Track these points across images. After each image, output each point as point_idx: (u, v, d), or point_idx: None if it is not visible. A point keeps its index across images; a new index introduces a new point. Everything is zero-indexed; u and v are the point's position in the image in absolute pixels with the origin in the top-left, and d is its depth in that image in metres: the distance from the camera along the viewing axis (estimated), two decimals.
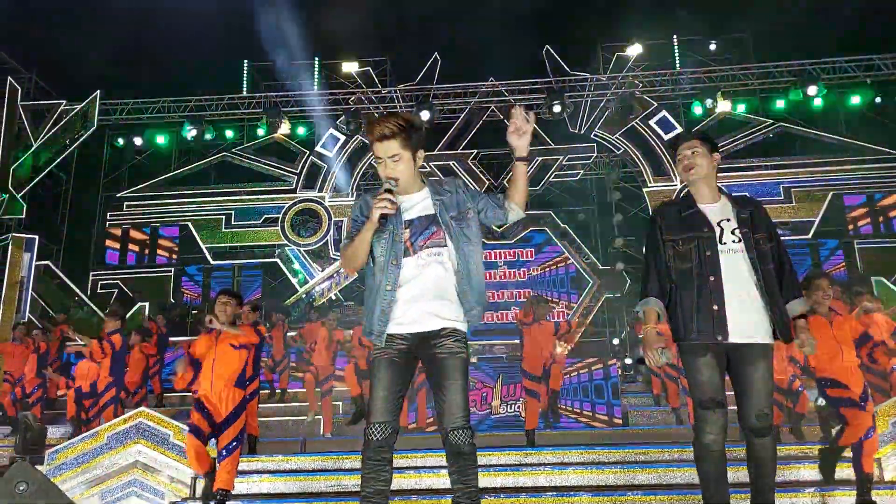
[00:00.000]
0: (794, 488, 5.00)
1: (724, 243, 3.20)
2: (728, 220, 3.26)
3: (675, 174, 14.64)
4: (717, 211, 3.31)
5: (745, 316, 3.13)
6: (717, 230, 3.23)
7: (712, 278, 3.16)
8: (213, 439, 5.48)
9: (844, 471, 5.28)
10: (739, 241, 3.20)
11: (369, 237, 2.88)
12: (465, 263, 2.94)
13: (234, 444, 5.39)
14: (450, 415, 2.79)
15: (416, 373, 3.12)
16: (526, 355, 8.07)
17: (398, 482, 5.59)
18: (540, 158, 15.39)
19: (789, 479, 5.39)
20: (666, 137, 15.09)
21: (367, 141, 3.01)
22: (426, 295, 2.88)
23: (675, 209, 3.42)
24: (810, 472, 5.41)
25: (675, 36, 15.74)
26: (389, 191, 2.87)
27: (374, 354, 2.90)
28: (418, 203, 3.02)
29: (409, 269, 2.90)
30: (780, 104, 15.04)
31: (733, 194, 3.45)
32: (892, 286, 12.26)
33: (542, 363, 7.97)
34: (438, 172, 15.51)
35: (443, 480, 5.51)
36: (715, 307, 3.13)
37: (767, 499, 3.16)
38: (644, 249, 3.61)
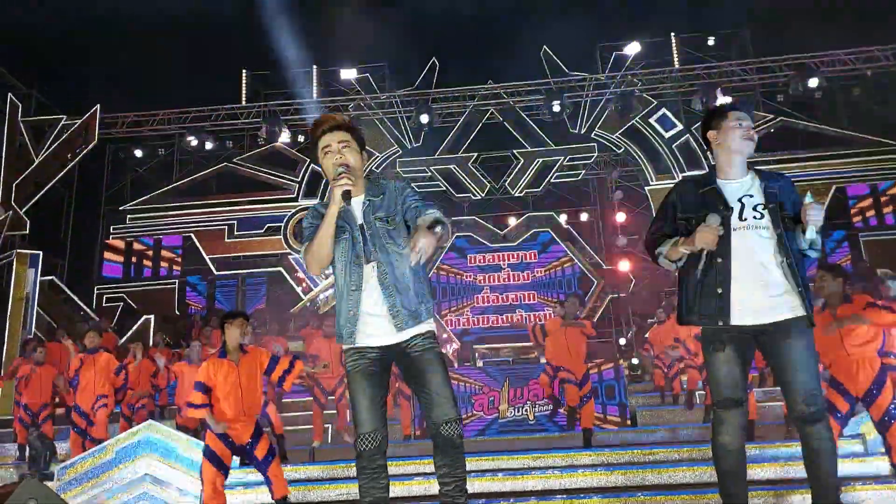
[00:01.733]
0: (805, 485, 4.95)
1: (745, 219, 3.01)
2: (751, 196, 3.07)
3: (676, 172, 14.61)
4: (739, 187, 3.11)
5: (758, 297, 2.95)
6: (738, 206, 3.05)
7: (720, 259, 2.98)
8: (231, 467, 5.30)
9: (843, 467, 5.26)
10: (762, 216, 3.01)
11: (334, 220, 2.88)
12: (392, 272, 2.89)
13: (270, 455, 5.26)
14: (439, 407, 2.80)
15: (392, 378, 3.12)
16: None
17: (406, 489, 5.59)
18: (541, 160, 15.40)
19: (801, 476, 5.34)
20: (666, 135, 15.08)
21: (314, 140, 2.94)
22: (380, 307, 2.88)
23: (693, 186, 3.22)
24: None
25: (672, 34, 15.74)
26: (344, 175, 2.86)
27: (349, 367, 2.91)
28: (360, 206, 3.01)
29: (367, 276, 2.91)
30: (780, 99, 15.00)
31: (761, 168, 3.23)
32: None
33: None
34: (439, 177, 15.51)
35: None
36: (719, 290, 2.97)
37: (830, 499, 2.90)
38: (653, 217, 3.40)
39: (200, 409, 5.18)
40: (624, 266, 14.63)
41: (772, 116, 15.00)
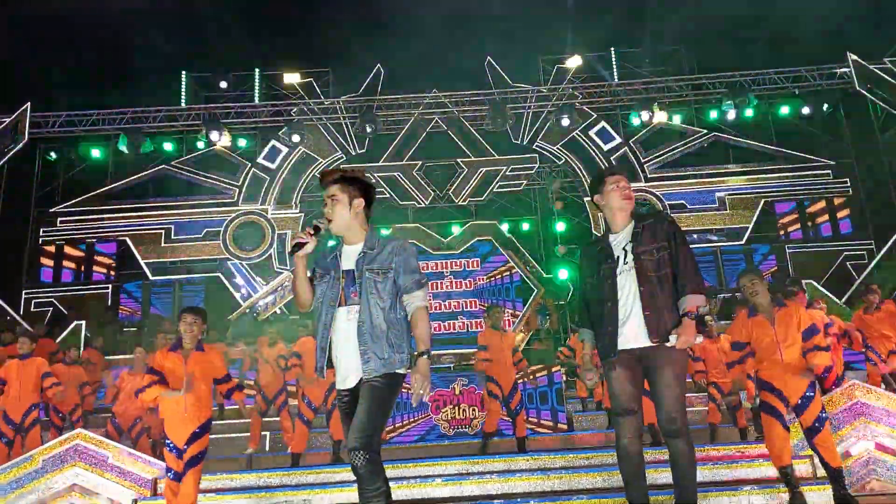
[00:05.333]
0: (732, 487, 5.15)
1: (626, 264, 3.56)
2: (630, 242, 3.60)
3: None
4: (623, 237, 3.65)
5: (632, 326, 3.48)
6: (622, 255, 3.59)
7: (609, 304, 3.54)
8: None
9: (766, 468, 5.48)
10: (631, 259, 3.55)
11: (298, 270, 3.21)
12: (369, 318, 3.11)
13: (195, 461, 5.12)
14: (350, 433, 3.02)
15: None
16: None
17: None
18: (484, 169, 15.57)
19: (726, 478, 5.54)
20: (605, 147, 15.46)
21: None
22: (349, 352, 3.13)
23: (592, 249, 3.84)
24: (746, 471, 5.58)
25: (612, 49, 16.15)
26: (317, 228, 3.22)
27: (338, 405, 3.24)
28: (355, 255, 3.26)
29: (341, 318, 3.17)
30: (713, 115, 15.55)
31: (641, 213, 3.75)
32: (822, 289, 12.77)
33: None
34: (383, 184, 15.50)
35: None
36: (609, 328, 3.53)
37: (688, 500, 3.42)
38: (578, 266, 4.03)
39: (152, 388, 5.05)
40: (563, 274, 14.92)
41: (704, 132, 15.54)
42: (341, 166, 15.53)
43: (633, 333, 3.47)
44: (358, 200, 3.26)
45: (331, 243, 3.46)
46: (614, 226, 3.71)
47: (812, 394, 4.70)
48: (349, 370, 3.11)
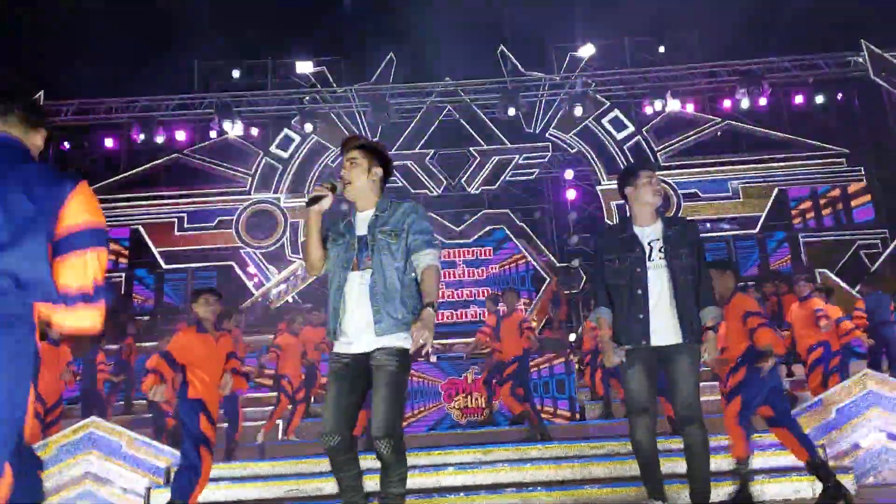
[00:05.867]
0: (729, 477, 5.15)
1: (653, 260, 3.70)
2: (658, 240, 3.74)
3: None
4: (650, 232, 3.79)
5: (663, 322, 3.62)
6: (648, 249, 3.73)
7: (639, 291, 3.66)
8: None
9: (779, 458, 5.49)
10: (663, 257, 3.69)
11: (313, 226, 3.22)
12: (383, 278, 3.10)
13: None
14: (373, 423, 2.96)
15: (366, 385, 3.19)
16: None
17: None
18: (496, 158, 15.54)
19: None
20: (618, 136, 15.38)
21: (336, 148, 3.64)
22: (361, 315, 3.10)
23: (614, 233, 3.98)
24: (760, 460, 5.57)
25: (625, 38, 16.04)
26: (333, 187, 3.22)
27: (329, 366, 3.19)
28: (367, 220, 3.26)
29: (354, 282, 3.14)
30: (726, 103, 15.42)
31: (669, 216, 3.96)
32: (835, 277, 12.70)
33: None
34: (396, 172, 15.46)
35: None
36: (640, 315, 3.63)
37: (703, 487, 3.59)
38: (591, 269, 4.04)
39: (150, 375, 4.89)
40: (576, 263, 14.91)
41: (718, 120, 15.43)
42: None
43: (662, 330, 3.61)
44: (377, 168, 3.30)
45: (344, 206, 3.47)
46: (641, 219, 3.83)
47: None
48: (358, 333, 3.09)
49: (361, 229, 3.23)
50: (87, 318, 2.12)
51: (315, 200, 3.16)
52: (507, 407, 8.20)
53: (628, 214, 3.94)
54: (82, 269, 2.09)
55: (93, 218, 2.16)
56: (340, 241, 3.24)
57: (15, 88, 2.49)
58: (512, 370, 7.96)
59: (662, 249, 3.69)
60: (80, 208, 2.14)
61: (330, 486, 5.74)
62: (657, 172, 3.99)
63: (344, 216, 3.33)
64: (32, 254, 2.03)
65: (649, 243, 3.73)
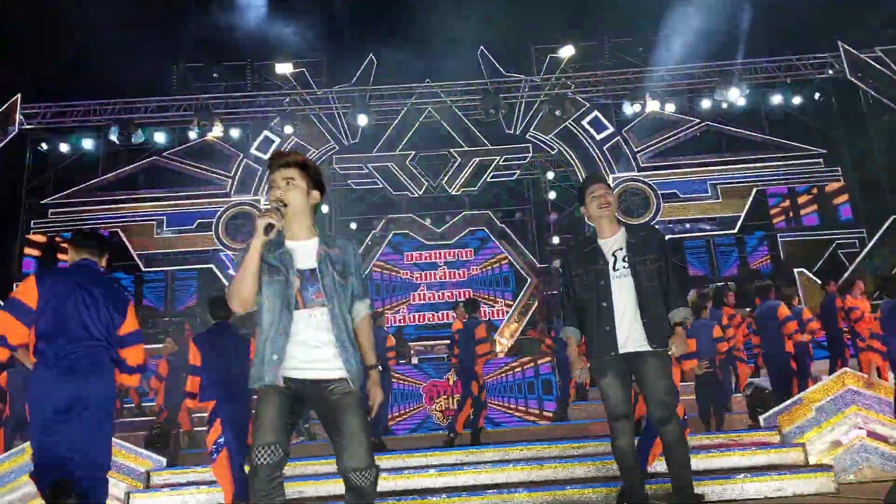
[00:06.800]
0: (725, 475, 5.19)
1: (617, 269, 3.82)
2: (621, 249, 3.86)
3: (607, 173, 15.01)
4: (612, 243, 3.90)
5: (630, 331, 3.74)
6: (612, 259, 3.84)
7: (604, 303, 3.78)
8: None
9: (759, 457, 5.54)
10: (627, 266, 3.80)
11: (257, 257, 2.80)
12: (343, 322, 2.87)
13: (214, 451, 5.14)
14: (349, 454, 2.74)
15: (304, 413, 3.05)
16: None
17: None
18: (477, 159, 15.56)
19: (720, 466, 5.58)
20: (598, 137, 15.46)
21: (270, 172, 3.01)
22: (314, 356, 2.82)
23: (578, 249, 4.07)
24: (740, 459, 5.63)
25: (605, 39, 16.12)
26: (279, 210, 2.84)
27: (262, 388, 2.81)
28: (310, 252, 2.94)
29: (301, 322, 2.83)
30: (705, 103, 15.54)
31: (631, 224, 4.08)
32: (813, 277, 12.85)
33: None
34: (376, 174, 15.48)
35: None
36: (607, 327, 3.75)
37: (685, 482, 3.71)
38: (560, 286, 4.26)
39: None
40: (556, 264, 14.96)
41: (696, 121, 15.55)
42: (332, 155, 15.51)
43: (630, 338, 3.73)
44: (314, 192, 2.98)
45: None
46: (602, 232, 3.96)
47: None
48: (308, 366, 2.80)
49: (304, 262, 2.90)
50: (135, 381, 4.01)
51: (271, 228, 2.78)
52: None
53: (593, 230, 4.10)
54: (137, 354, 3.94)
55: (138, 325, 3.99)
56: (276, 276, 2.84)
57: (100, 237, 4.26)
58: None
59: (626, 258, 3.81)
60: (133, 318, 3.97)
61: (311, 490, 5.72)
62: (641, 173, 4.13)
63: (276, 245, 2.89)
64: (115, 342, 3.84)
65: (613, 253, 3.85)
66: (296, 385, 2.81)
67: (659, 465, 5.31)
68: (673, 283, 3.80)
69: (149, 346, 10.78)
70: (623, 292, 3.77)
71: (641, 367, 3.75)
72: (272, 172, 2.96)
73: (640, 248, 3.81)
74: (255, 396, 2.98)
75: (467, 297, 14.66)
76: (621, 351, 3.73)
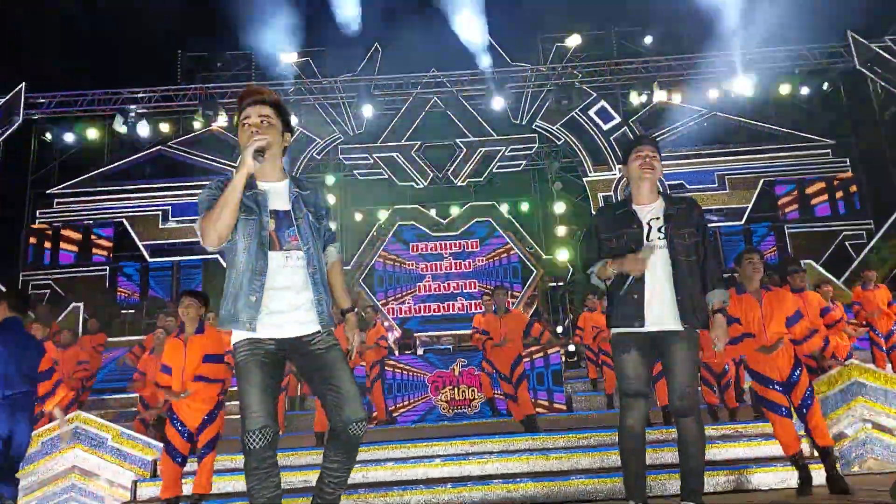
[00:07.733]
0: (730, 466, 5.18)
1: (650, 240, 3.49)
2: (657, 219, 3.54)
3: (613, 163, 14.94)
4: (649, 210, 3.58)
5: (660, 306, 3.41)
6: (646, 228, 3.53)
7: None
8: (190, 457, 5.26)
9: (764, 448, 5.52)
10: (663, 237, 3.49)
11: (241, 188, 2.68)
12: (318, 264, 2.86)
13: (210, 446, 5.19)
14: (349, 406, 2.74)
15: (285, 372, 3.10)
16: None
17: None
18: (483, 149, 15.51)
19: (725, 457, 5.58)
20: (605, 127, 15.38)
21: (238, 112, 2.88)
22: (290, 300, 2.77)
23: (611, 210, 3.73)
24: (745, 450, 5.62)
25: (612, 28, 16.01)
26: (258, 136, 2.77)
27: (240, 357, 2.73)
28: (282, 194, 2.89)
29: (276, 264, 2.77)
30: (713, 93, 15.42)
31: (673, 195, 3.73)
32: (820, 268, 12.78)
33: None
34: (382, 164, 15.45)
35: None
36: (636, 296, 3.42)
37: (696, 484, 3.35)
38: (581, 243, 3.91)
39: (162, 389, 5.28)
40: (562, 255, 14.93)
41: (704, 111, 15.44)
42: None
43: (661, 315, 3.40)
44: (288, 134, 2.95)
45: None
46: (639, 197, 3.63)
47: (798, 375, 4.71)
48: (287, 319, 2.75)
49: (277, 203, 2.84)
50: None
51: (262, 152, 2.72)
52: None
53: (629, 193, 3.74)
54: None
55: None
56: (250, 216, 2.76)
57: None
58: None
59: (662, 229, 3.49)
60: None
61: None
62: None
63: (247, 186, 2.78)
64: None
65: (648, 223, 3.53)
66: (275, 347, 2.76)
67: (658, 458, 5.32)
68: (711, 262, 3.50)
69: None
70: (657, 263, 3.43)
71: (669, 349, 3.40)
72: (245, 108, 2.86)
73: (679, 220, 3.49)
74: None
75: (474, 287, 14.71)
76: (648, 326, 3.40)
